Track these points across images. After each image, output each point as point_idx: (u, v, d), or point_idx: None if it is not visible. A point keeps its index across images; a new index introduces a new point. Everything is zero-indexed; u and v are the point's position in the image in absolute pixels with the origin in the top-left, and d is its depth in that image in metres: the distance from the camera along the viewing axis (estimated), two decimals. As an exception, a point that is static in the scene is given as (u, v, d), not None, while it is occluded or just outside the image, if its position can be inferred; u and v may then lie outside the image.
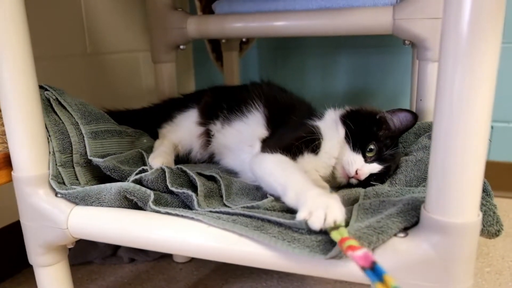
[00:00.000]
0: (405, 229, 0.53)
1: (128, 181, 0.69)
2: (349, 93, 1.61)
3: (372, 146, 0.75)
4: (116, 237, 0.65)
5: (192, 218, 0.61)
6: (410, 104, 1.26)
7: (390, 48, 1.51)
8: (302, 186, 0.60)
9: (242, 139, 0.83)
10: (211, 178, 0.74)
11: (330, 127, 0.79)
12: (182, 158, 0.93)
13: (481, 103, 0.44)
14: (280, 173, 0.65)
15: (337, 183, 0.77)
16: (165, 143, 0.89)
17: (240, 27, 1.01)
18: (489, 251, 1.18)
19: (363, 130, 0.77)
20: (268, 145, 0.76)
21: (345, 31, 0.95)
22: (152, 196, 0.65)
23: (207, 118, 0.91)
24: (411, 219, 0.53)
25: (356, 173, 0.74)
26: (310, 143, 0.74)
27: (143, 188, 0.66)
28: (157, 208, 0.64)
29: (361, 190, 0.69)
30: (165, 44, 1.08)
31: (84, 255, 1.15)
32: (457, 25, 0.42)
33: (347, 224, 0.55)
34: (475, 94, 0.44)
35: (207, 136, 0.91)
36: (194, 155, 0.93)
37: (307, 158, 0.74)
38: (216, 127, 0.90)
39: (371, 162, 0.75)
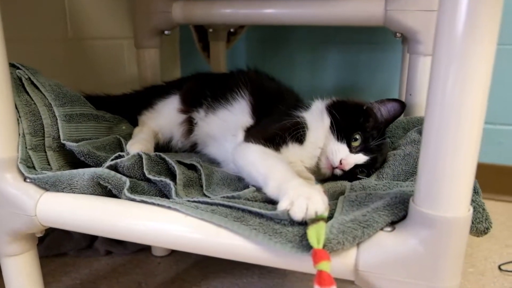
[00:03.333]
0: (392, 223, 0.51)
1: (103, 167, 0.66)
2: (338, 88, 1.59)
3: (357, 136, 0.73)
4: (87, 225, 0.61)
5: (168, 207, 0.57)
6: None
7: (380, 44, 1.49)
8: (284, 176, 0.57)
9: (226, 127, 0.80)
10: (191, 167, 0.71)
11: (316, 117, 0.76)
12: (162, 147, 0.89)
13: (475, 98, 0.42)
14: (262, 164, 0.62)
15: (322, 175, 0.74)
16: (145, 130, 0.85)
17: (227, 13, 0.98)
18: (472, 251, 1.17)
19: (349, 120, 0.75)
20: (251, 134, 0.73)
21: (335, 21, 0.92)
22: (128, 184, 0.61)
23: (190, 105, 0.88)
24: (399, 213, 0.51)
25: (340, 163, 0.71)
26: (295, 133, 0.71)
27: (118, 175, 0.63)
28: (132, 196, 0.60)
29: (347, 183, 0.67)
30: (149, 28, 1.03)
31: (58, 246, 1.10)
32: (453, 20, 0.40)
33: (331, 216, 0.52)
34: (469, 88, 0.41)
35: (189, 124, 0.87)
36: (175, 143, 0.89)
37: (292, 149, 0.71)
38: (199, 115, 0.86)
39: (357, 152, 0.73)
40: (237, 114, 0.81)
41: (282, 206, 0.51)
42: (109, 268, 1.07)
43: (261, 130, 0.73)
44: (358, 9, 0.88)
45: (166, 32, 1.04)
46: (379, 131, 0.74)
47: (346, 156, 0.71)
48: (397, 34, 0.89)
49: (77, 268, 1.06)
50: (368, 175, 0.72)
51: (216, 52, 1.40)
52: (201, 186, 0.67)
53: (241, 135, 0.76)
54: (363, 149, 0.72)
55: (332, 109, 0.75)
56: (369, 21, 0.88)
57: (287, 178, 0.56)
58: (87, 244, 1.12)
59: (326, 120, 0.75)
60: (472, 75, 0.41)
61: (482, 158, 1.41)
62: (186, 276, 1.04)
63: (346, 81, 1.58)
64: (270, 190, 0.57)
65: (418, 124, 0.81)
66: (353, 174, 0.72)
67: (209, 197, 0.63)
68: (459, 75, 0.41)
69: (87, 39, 1.30)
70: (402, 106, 0.76)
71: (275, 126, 0.72)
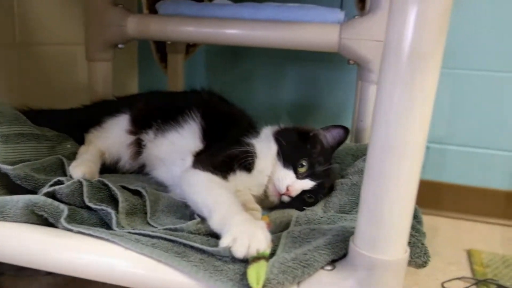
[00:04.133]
0: (333, 261, 0.51)
1: (40, 193, 0.62)
2: (295, 104, 1.60)
3: (303, 162, 0.73)
4: (17, 257, 0.58)
5: (107, 240, 0.55)
6: (352, 122, 1.27)
7: (337, 64, 1.52)
8: (229, 210, 0.57)
9: (175, 151, 0.78)
10: (137, 193, 0.68)
11: (265, 144, 0.76)
12: (108, 167, 0.86)
13: (416, 137, 0.43)
14: (207, 194, 0.61)
15: (270, 203, 0.74)
16: (91, 150, 0.82)
17: (184, 31, 0.96)
18: (415, 270, 1.21)
19: (295, 147, 0.75)
20: (200, 160, 0.72)
21: (291, 45, 0.93)
22: (66, 212, 0.58)
23: (139, 127, 0.85)
24: (339, 251, 0.51)
25: (287, 189, 0.71)
26: (244, 161, 0.70)
27: (56, 203, 0.60)
28: (69, 226, 0.57)
29: (293, 214, 0.67)
30: (101, 41, 1.00)
31: (-4, 265, 1.03)
32: (399, 47, 0.41)
33: (273, 253, 0.52)
34: (412, 121, 0.42)
35: (138, 146, 0.84)
36: (122, 164, 0.86)
37: (240, 177, 0.70)
38: (148, 137, 0.84)
39: (303, 178, 0.73)
40: (187, 138, 0.79)
41: (224, 242, 0.51)
42: (50, 288, 1.02)
43: (209, 157, 0.72)
44: (314, 35, 0.90)
45: (120, 45, 1.01)
46: (325, 157, 0.75)
47: (292, 182, 0.71)
48: (350, 61, 0.91)
49: (15, 289, 1.01)
50: (316, 201, 0.72)
51: (174, 64, 1.38)
52: (146, 214, 0.65)
53: (189, 160, 0.74)
54: (309, 175, 0.73)
55: (278, 136, 0.76)
56: (324, 47, 0.90)
57: (231, 212, 0.55)
58: (27, 262, 1.06)
59: (273, 147, 0.75)
60: (415, 104, 0.42)
61: (427, 175, 1.47)
62: (132, 297, 1.00)
63: (303, 98, 1.59)
64: (214, 224, 0.56)
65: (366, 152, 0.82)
66: (301, 200, 0.72)
67: (152, 225, 0.61)
68: (402, 103, 0.42)
69: (37, 44, 1.24)
70: (346, 132, 0.77)
71: (224, 153, 0.71)
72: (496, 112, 1.41)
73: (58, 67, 1.32)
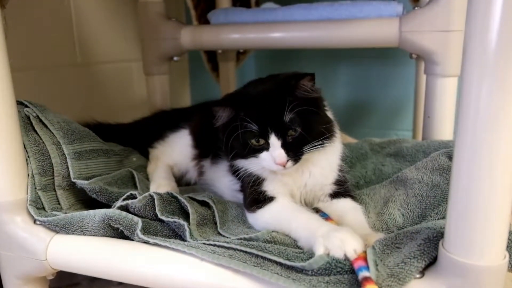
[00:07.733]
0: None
1: (113, 207, 0.64)
2: (349, 105, 1.55)
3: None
4: (99, 270, 0.60)
5: (184, 252, 0.55)
6: (413, 118, 1.21)
7: (392, 59, 1.46)
8: (307, 227, 0.56)
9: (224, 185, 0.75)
10: (204, 203, 0.68)
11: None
12: (178, 178, 0.86)
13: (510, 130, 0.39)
14: (276, 226, 0.60)
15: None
16: (161, 167, 0.83)
17: (236, 38, 0.96)
18: None
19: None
20: (244, 205, 0.68)
21: (347, 43, 0.90)
22: (140, 224, 0.59)
23: (200, 150, 0.83)
24: (431, 257, 0.48)
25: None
26: (257, 188, 0.66)
27: (130, 216, 0.61)
28: (145, 238, 0.58)
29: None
30: (157, 55, 1.02)
31: (71, 276, 1.08)
32: (484, 34, 0.38)
33: None
34: (505, 114, 0.39)
35: (201, 167, 0.83)
36: (189, 177, 0.86)
37: (282, 199, 0.65)
38: (206, 164, 0.81)
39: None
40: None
41: (319, 250, 0.50)
42: (122, 298, 1.05)
43: (245, 198, 0.68)
44: (371, 31, 0.86)
45: (175, 58, 1.03)
46: None
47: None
48: (413, 55, 0.86)
49: (90, 299, 1.04)
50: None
51: (225, 72, 1.39)
52: (215, 224, 0.65)
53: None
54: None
55: None
56: (384, 43, 0.86)
57: (311, 228, 0.55)
58: (99, 273, 1.09)
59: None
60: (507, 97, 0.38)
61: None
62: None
63: (357, 97, 1.55)
64: (304, 247, 0.56)
65: (439, 148, 0.77)
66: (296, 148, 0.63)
67: (224, 235, 0.61)
68: (492, 99, 0.38)
69: (96, 63, 1.29)
70: None
71: (247, 191, 0.66)
72: None
73: (115, 83, 1.37)
